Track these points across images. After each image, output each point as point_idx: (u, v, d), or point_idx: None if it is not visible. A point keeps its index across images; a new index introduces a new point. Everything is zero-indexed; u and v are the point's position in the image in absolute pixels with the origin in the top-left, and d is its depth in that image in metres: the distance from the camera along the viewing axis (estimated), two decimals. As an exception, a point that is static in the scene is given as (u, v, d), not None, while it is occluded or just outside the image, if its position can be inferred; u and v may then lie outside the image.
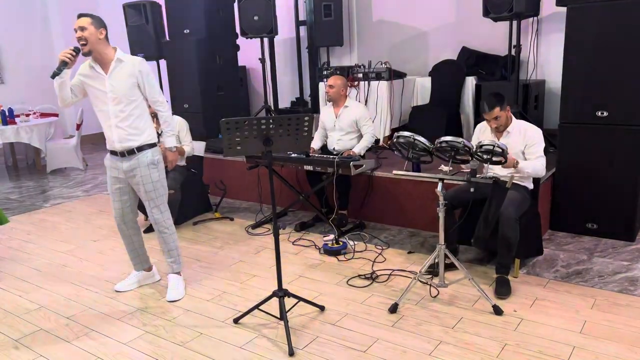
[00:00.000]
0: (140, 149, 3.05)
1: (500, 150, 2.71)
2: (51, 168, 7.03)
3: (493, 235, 3.02)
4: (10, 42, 8.25)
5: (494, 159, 2.75)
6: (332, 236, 3.87)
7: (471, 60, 5.72)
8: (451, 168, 4.16)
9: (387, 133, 5.43)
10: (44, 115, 7.50)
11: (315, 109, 6.57)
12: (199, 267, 3.67)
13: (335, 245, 3.77)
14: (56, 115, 7.65)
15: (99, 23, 2.97)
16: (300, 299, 2.88)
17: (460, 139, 2.78)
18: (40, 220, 4.94)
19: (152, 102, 3.10)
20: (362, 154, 4.26)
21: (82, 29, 2.92)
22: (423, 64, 6.18)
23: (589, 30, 3.62)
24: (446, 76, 5.52)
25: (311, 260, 3.70)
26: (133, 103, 3.02)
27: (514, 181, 3.20)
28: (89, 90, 3.07)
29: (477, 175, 2.90)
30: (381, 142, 5.38)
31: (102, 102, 3.03)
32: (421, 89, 5.79)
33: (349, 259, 3.68)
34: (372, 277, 3.34)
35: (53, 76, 2.91)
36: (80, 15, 2.98)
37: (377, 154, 5.01)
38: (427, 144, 2.90)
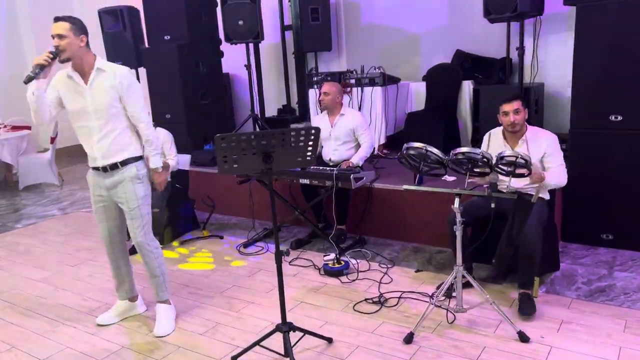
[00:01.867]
0: (125, 162, 2.76)
1: (524, 161, 2.47)
2: (24, 184, 6.59)
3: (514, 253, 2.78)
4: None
5: (517, 171, 2.50)
6: (332, 255, 3.58)
7: (466, 64, 5.51)
8: (455, 178, 3.95)
9: (383, 141, 5.18)
10: (15, 128, 7.07)
11: (304, 117, 6.30)
12: (187, 294, 3.35)
13: (337, 265, 3.49)
14: (29, 128, 7.21)
15: (80, 29, 2.65)
16: (306, 332, 2.59)
17: (478, 150, 2.54)
18: (11, 243, 4.54)
19: (132, 117, 2.76)
20: (360, 165, 3.99)
21: (61, 37, 2.59)
22: (415, 68, 5.96)
23: (601, 30, 3.42)
24: (442, 80, 5.30)
25: (312, 283, 3.41)
26: (116, 116, 2.71)
27: (530, 191, 2.98)
28: (67, 104, 2.73)
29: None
30: (376, 151, 5.13)
31: (83, 117, 2.71)
32: (416, 94, 5.56)
33: (353, 280, 3.40)
34: (381, 301, 3.07)
35: (27, 80, 2.54)
36: (57, 19, 2.64)
37: (374, 163, 4.75)
38: (440, 155, 2.64)
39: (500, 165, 2.52)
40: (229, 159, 2.24)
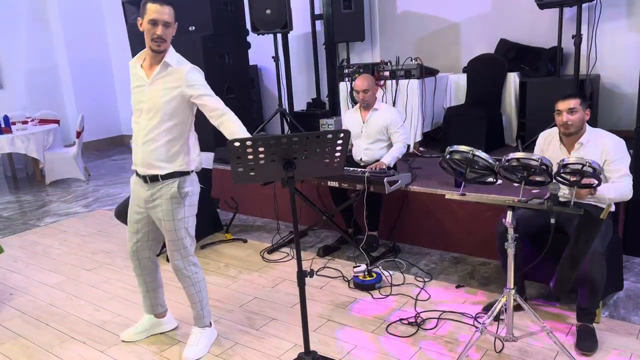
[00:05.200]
0: (167, 177, 2.41)
1: (592, 170, 2.08)
2: (50, 179, 6.51)
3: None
4: (9, 45, 7.75)
5: (584, 181, 2.11)
6: (363, 267, 3.25)
7: (511, 54, 5.06)
8: (501, 182, 3.55)
9: (419, 138, 4.81)
10: (43, 122, 6.99)
11: (334, 111, 5.97)
12: (206, 306, 3.09)
13: (368, 278, 3.16)
14: (57, 122, 7.13)
15: (175, 14, 2.34)
16: (332, 361, 2.28)
17: (536, 156, 2.16)
18: (31, 244, 4.39)
19: (215, 117, 2.36)
20: (391, 165, 3.64)
21: (167, 25, 2.29)
22: (455, 60, 5.55)
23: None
24: (484, 73, 4.87)
25: (340, 297, 3.10)
26: (172, 121, 2.37)
27: (596, 204, 2.58)
28: (131, 92, 2.44)
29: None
30: (412, 149, 4.77)
31: (136, 112, 2.43)
32: (455, 88, 5.16)
33: (386, 296, 3.07)
34: (418, 323, 2.73)
35: None
36: (164, 2, 2.27)
37: (409, 162, 4.39)
38: (490, 161, 2.27)
39: (562, 174, 2.14)
40: (245, 167, 1.94)
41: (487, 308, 2.80)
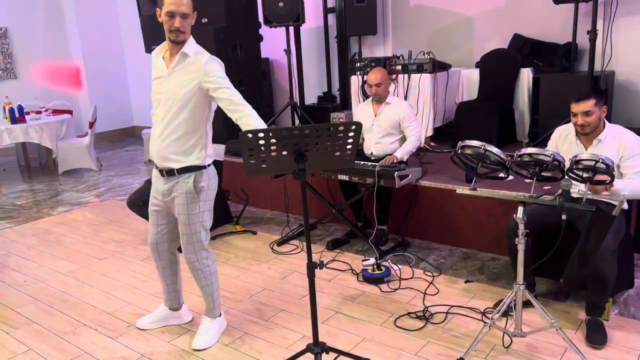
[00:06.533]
0: (183, 170, 2.41)
1: (605, 166, 2.06)
2: (63, 169, 6.58)
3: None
4: (23, 35, 7.82)
5: (597, 177, 2.10)
6: (372, 260, 3.27)
7: (525, 49, 5.00)
8: (512, 177, 3.54)
9: (430, 133, 4.80)
10: (56, 112, 7.07)
11: (345, 105, 5.97)
12: (216, 296, 3.12)
13: (377, 272, 3.17)
14: (70, 112, 7.20)
15: (193, 1, 2.32)
16: (340, 352, 2.29)
17: (549, 151, 2.15)
18: (44, 232, 4.46)
19: (232, 110, 2.33)
20: (404, 160, 3.64)
21: (185, 16, 2.27)
22: (468, 54, 5.50)
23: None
24: (497, 68, 4.84)
25: (348, 290, 3.11)
26: (188, 113, 2.35)
27: (608, 200, 2.56)
28: (152, 84, 2.43)
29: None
30: (423, 144, 4.75)
31: (156, 103, 2.42)
32: (467, 82, 5.13)
33: (394, 290, 3.07)
34: (426, 317, 2.74)
35: None
36: None
37: (420, 157, 4.38)
38: (502, 156, 2.26)
39: (575, 170, 2.12)
40: (257, 158, 1.95)
41: (497, 304, 2.80)
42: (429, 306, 2.84)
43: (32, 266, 3.73)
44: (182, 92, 2.34)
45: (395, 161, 3.51)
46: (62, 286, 3.38)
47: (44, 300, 3.20)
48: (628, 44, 4.50)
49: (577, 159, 2.11)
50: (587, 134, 2.58)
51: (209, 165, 2.48)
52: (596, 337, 2.39)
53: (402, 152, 3.62)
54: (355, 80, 5.11)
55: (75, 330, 2.82)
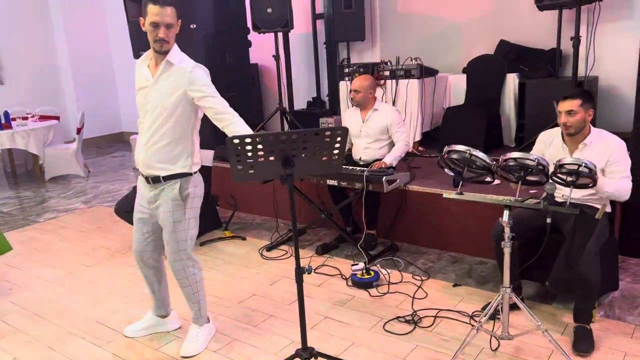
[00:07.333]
0: (168, 178, 2.40)
1: (588, 170, 2.10)
2: (50, 175, 6.52)
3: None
4: (10, 41, 7.76)
5: (580, 181, 2.13)
6: (361, 265, 3.28)
7: (511, 55, 5.07)
8: (499, 181, 3.57)
9: (418, 138, 4.83)
10: (43, 118, 7.01)
11: (334, 111, 5.99)
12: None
13: (366, 276, 3.18)
14: (57, 118, 7.15)
15: (178, 11, 2.30)
16: (329, 357, 2.30)
17: (533, 156, 2.18)
18: (31, 239, 4.41)
19: (219, 119, 2.33)
20: (393, 165, 3.66)
21: (169, 26, 2.26)
22: (455, 60, 5.55)
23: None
24: (484, 73, 4.89)
25: (338, 295, 3.12)
26: (174, 121, 2.35)
27: (592, 204, 2.60)
28: (136, 91, 2.42)
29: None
30: (411, 149, 4.78)
31: (142, 112, 2.42)
32: (455, 88, 5.18)
33: (383, 294, 3.09)
34: (414, 321, 2.75)
35: None
36: (164, 3, 2.22)
37: (408, 162, 4.41)
38: (487, 160, 2.29)
39: (559, 174, 2.16)
40: (244, 164, 1.96)
41: (485, 307, 2.82)
42: (418, 310, 2.86)
43: (18, 274, 3.69)
44: (168, 100, 2.33)
45: (384, 166, 3.53)
46: (49, 294, 3.35)
47: (31, 308, 3.17)
48: (611, 50, 4.57)
49: (561, 163, 2.14)
50: (571, 135, 2.61)
51: (195, 173, 2.47)
52: (583, 345, 2.40)
53: (391, 158, 3.64)
54: (344, 86, 5.13)
55: (63, 339, 2.80)
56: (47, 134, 6.56)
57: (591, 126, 2.63)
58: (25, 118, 6.79)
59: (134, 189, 2.68)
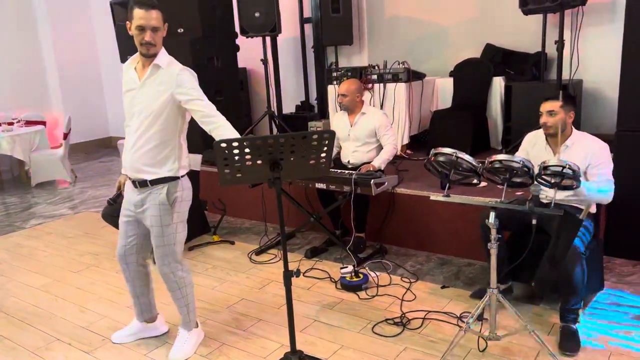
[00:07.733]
0: (155, 182, 2.39)
1: (572, 172, 2.13)
2: (36, 181, 6.45)
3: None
4: (-6, 45, 7.69)
5: (564, 182, 2.16)
6: (350, 267, 3.28)
7: (497, 59, 5.13)
8: (486, 184, 3.60)
9: (406, 141, 4.86)
10: (29, 123, 6.94)
11: (323, 114, 6.01)
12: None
13: (355, 279, 3.19)
14: (43, 123, 7.09)
15: (164, 15, 2.30)
16: (318, 360, 2.30)
17: (518, 158, 2.20)
18: (16, 246, 4.36)
19: (206, 123, 2.33)
20: (382, 168, 3.68)
21: (155, 29, 2.26)
22: (442, 64, 5.60)
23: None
24: (471, 76, 4.94)
25: (327, 298, 3.12)
26: (161, 124, 2.34)
27: (576, 205, 2.63)
28: (123, 94, 2.42)
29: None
30: (399, 152, 4.81)
31: (128, 115, 2.41)
32: (442, 91, 5.22)
33: (372, 296, 3.10)
34: (403, 323, 2.76)
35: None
36: (150, 6, 2.23)
37: (396, 165, 4.43)
38: (473, 163, 2.31)
39: (544, 176, 2.18)
40: (231, 168, 1.96)
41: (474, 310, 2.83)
42: (407, 312, 2.87)
43: (2, 281, 3.65)
44: (155, 103, 2.33)
45: (372, 169, 3.55)
46: (35, 300, 3.31)
47: (16, 315, 3.13)
48: (595, 53, 4.64)
49: (545, 165, 2.17)
50: (551, 135, 2.65)
51: (182, 177, 2.46)
52: (569, 345, 2.43)
53: (380, 161, 3.66)
54: (332, 90, 5.15)
55: (49, 345, 2.77)
56: (33, 139, 6.51)
57: (573, 128, 2.67)
58: (11, 124, 6.72)
59: (121, 194, 2.68)
